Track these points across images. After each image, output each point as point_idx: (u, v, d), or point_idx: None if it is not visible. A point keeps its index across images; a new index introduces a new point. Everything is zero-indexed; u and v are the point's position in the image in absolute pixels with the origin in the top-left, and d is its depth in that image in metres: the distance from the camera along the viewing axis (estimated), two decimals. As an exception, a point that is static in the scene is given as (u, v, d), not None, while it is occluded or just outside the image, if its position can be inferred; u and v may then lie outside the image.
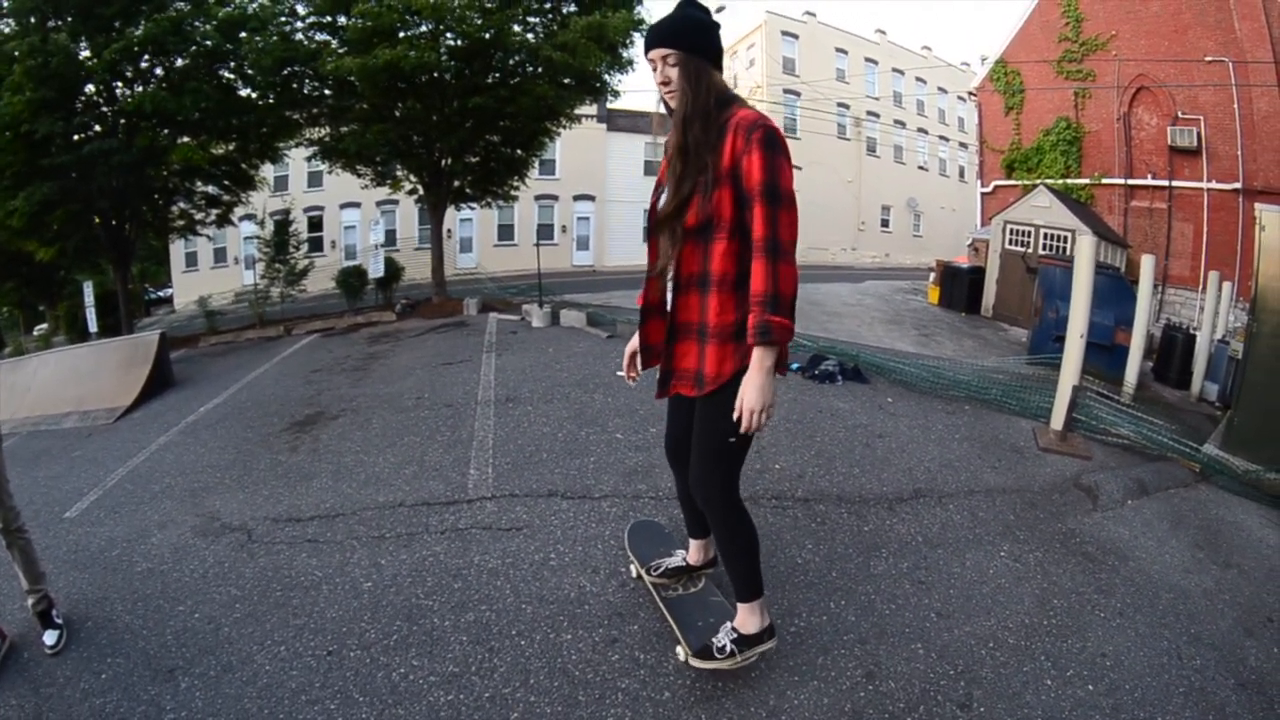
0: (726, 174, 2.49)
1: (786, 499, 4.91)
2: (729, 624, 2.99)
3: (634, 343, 3.06)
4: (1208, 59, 21.33)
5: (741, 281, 2.54)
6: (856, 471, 5.52)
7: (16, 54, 13.39)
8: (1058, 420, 7.08)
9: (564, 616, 3.53)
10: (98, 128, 15.32)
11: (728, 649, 2.90)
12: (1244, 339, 8.49)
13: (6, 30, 14.28)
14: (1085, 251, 7.23)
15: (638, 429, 6.46)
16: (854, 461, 5.74)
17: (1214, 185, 21.58)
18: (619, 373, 3.45)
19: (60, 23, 14.24)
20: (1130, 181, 23.68)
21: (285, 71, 15.92)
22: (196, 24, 14.89)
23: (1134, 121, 23.80)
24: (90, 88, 15.13)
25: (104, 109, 15.45)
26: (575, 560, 4.03)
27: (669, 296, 2.78)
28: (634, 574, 3.77)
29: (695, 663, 2.94)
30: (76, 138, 14.68)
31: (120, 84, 15.46)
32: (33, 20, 14.17)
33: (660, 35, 2.60)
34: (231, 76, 16.35)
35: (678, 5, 2.64)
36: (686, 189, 2.57)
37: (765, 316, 2.36)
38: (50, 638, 3.59)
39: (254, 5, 15.52)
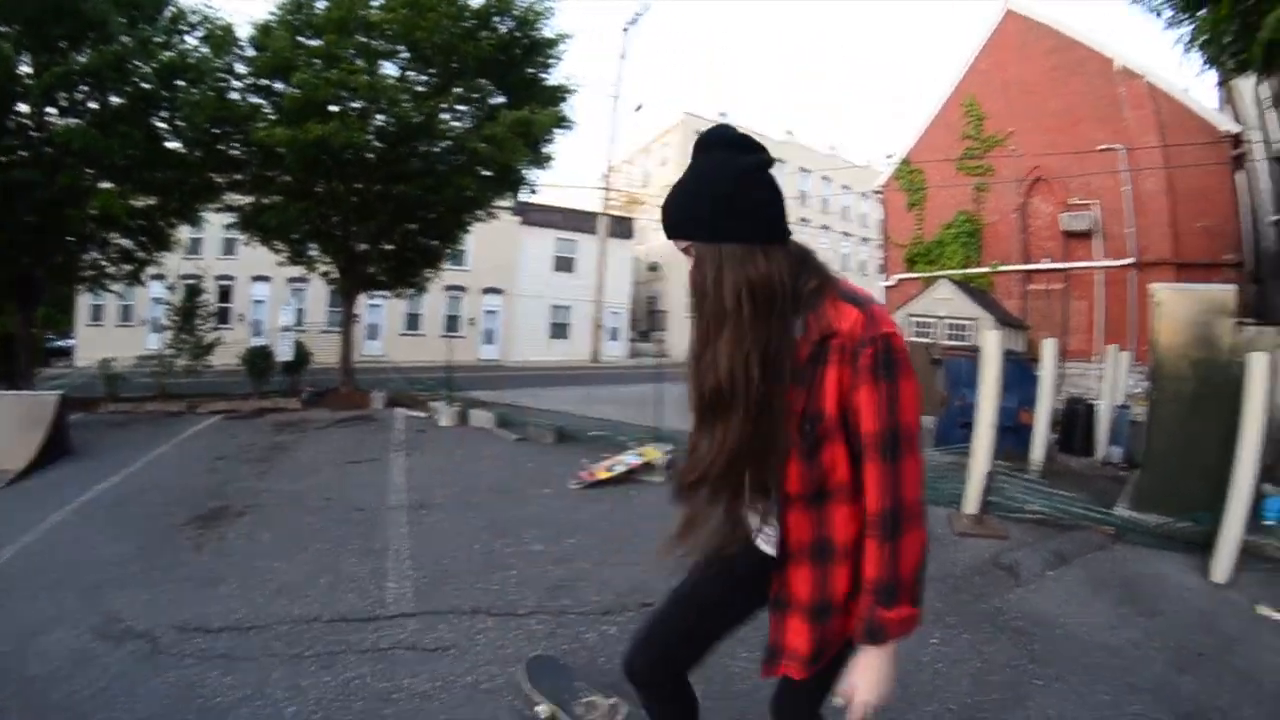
0: (836, 421, 1.76)
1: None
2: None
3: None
4: (1100, 148, 23.16)
5: None
6: None
7: None
8: (971, 504, 7.39)
9: (501, 744, 3.35)
10: (24, 153, 14.55)
11: None
12: (1146, 404, 9.28)
13: None
14: (991, 345, 7.70)
15: (555, 540, 6.44)
16: None
17: (1107, 263, 23.56)
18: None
19: (8, 29, 13.57)
20: (1028, 267, 25.34)
21: (215, 131, 15.60)
22: (138, 63, 14.43)
23: (1030, 210, 25.68)
24: (24, 108, 14.42)
25: (33, 134, 14.66)
26: (508, 683, 3.87)
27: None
28: (544, 714, 3.50)
29: None
30: (3, 159, 14.00)
31: (55, 111, 14.79)
32: (-21, 23, 13.53)
33: (668, 218, 1.84)
34: (163, 126, 15.79)
35: (696, 147, 1.82)
36: (775, 446, 1.79)
37: (877, 613, 1.73)
38: None
39: (195, 55, 15.24)
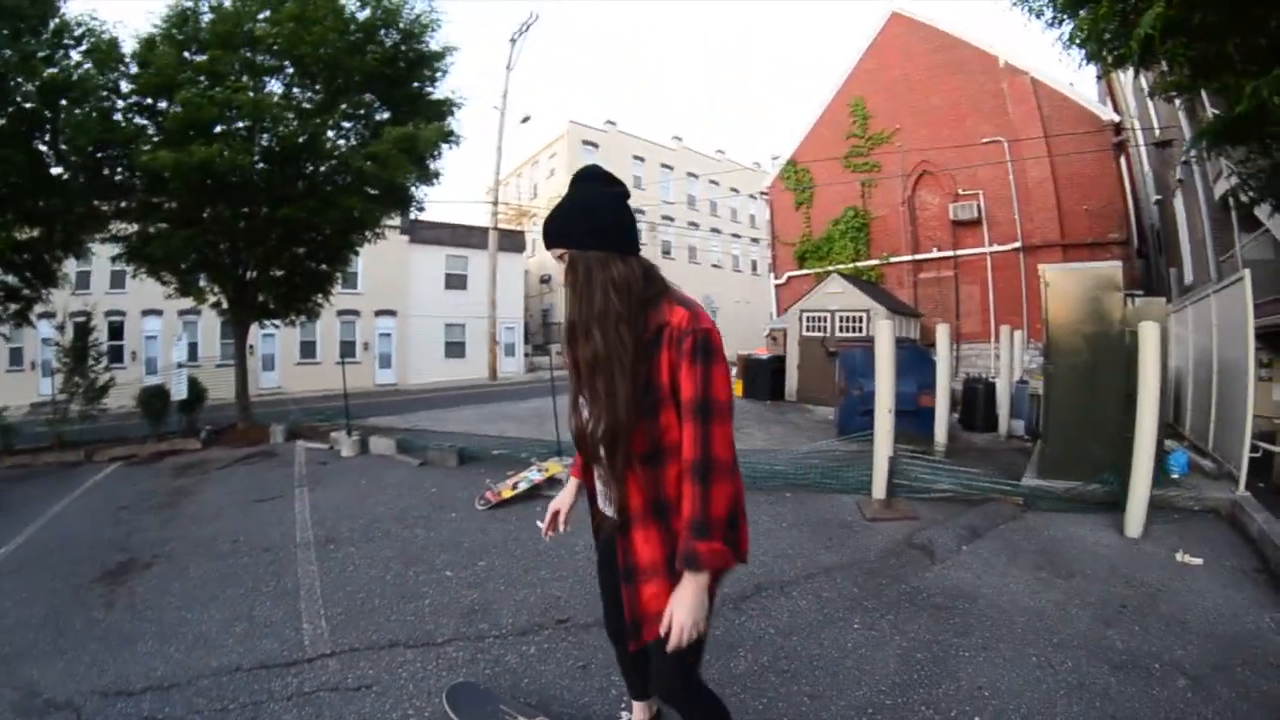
0: (668, 392, 2.29)
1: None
2: None
3: (561, 501, 2.97)
4: (985, 140, 24.40)
5: None
6: None
7: None
8: (879, 489, 7.72)
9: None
10: None
11: None
12: (1042, 379, 9.67)
13: None
14: (884, 333, 8.07)
15: (466, 564, 6.47)
16: None
17: (995, 248, 24.84)
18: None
19: None
20: (918, 256, 26.38)
21: (100, 154, 14.81)
22: (19, 80, 13.53)
23: (918, 203, 26.65)
24: None
25: None
26: (435, 714, 3.88)
27: (618, 532, 2.49)
28: None
29: None
30: None
31: None
32: None
33: (548, 232, 2.41)
34: (45, 150, 14.82)
35: (571, 181, 2.43)
36: (625, 411, 2.29)
37: (692, 544, 2.19)
38: None
39: (80, 71, 14.35)
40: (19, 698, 4.60)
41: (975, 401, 14.22)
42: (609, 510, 2.54)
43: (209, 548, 7.68)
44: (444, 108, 16.97)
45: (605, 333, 2.30)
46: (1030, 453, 10.29)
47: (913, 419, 11.39)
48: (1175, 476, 8.17)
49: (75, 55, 14.71)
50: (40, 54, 13.96)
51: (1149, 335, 6.78)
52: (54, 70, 13.95)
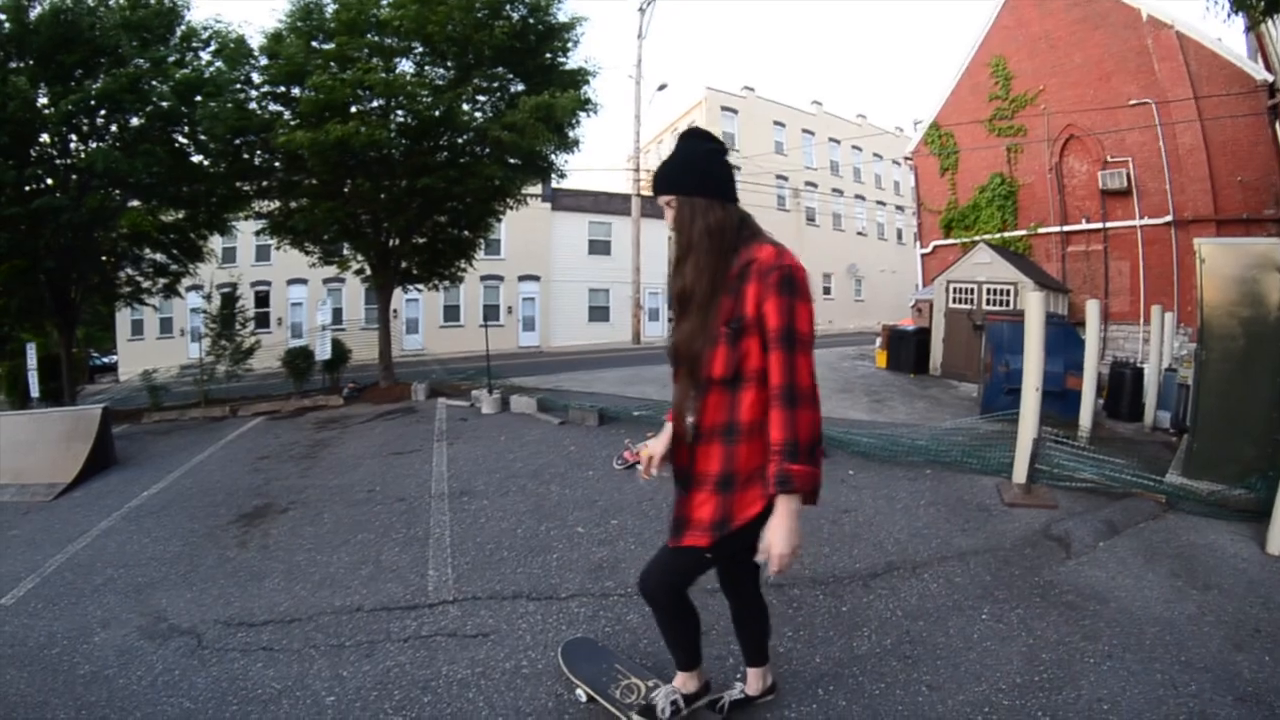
0: (753, 322, 2.49)
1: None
2: (670, 686, 3.20)
3: (656, 446, 2.97)
4: (1131, 103, 22.52)
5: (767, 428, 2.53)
6: (827, 550, 5.47)
7: None
8: (1020, 474, 7.12)
9: (544, 730, 3.32)
10: (49, 181, 14.96)
11: (667, 711, 3.10)
12: (1192, 366, 8.74)
13: None
14: (1034, 307, 7.40)
15: (599, 522, 6.35)
16: (823, 540, 5.67)
17: (1146, 221, 22.67)
18: (616, 464, 3.39)
19: (21, 64, 13.90)
20: (1066, 228, 24.70)
21: (238, 141, 15.77)
22: (154, 83, 14.63)
23: (1065, 170, 24.87)
24: (45, 137, 14.75)
25: (58, 162, 15.09)
26: (549, 667, 3.82)
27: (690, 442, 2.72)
28: (583, 698, 3.53)
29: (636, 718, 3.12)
30: (28, 189, 14.28)
31: (75, 137, 15.15)
32: (-8, 61, 13.82)
33: (657, 182, 2.70)
34: (185, 141, 16.15)
35: (678, 139, 2.73)
36: (708, 335, 2.55)
37: (784, 465, 2.38)
38: None
39: (211, 69, 15.45)
40: (146, 623, 4.89)
41: (1121, 387, 13.21)
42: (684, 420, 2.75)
43: (345, 496, 7.95)
44: (578, 77, 16.97)
45: (698, 266, 2.59)
46: (1175, 448, 9.49)
47: (1058, 400, 10.63)
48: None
49: (205, 55, 15.92)
50: (171, 59, 15.16)
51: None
52: (186, 71, 15.02)
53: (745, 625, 3.22)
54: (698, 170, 2.64)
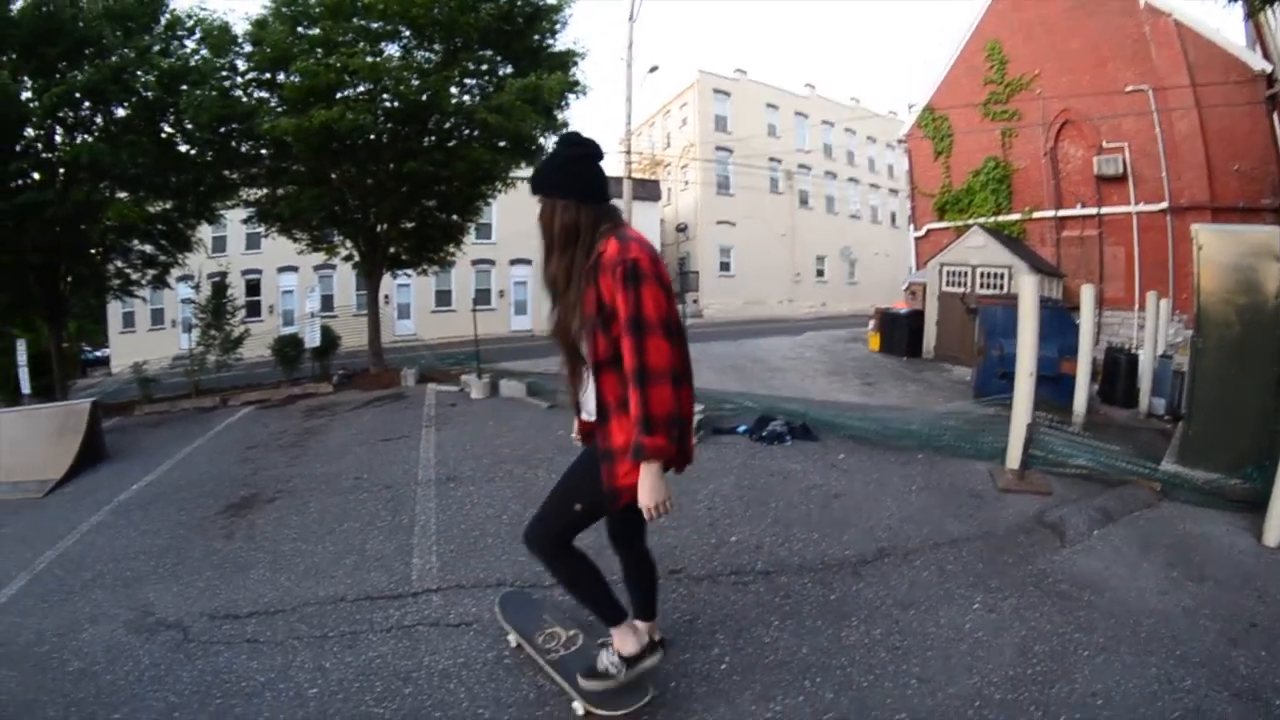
0: (612, 309, 2.79)
1: (747, 573, 4.78)
2: (610, 647, 3.28)
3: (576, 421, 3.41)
4: (1128, 89, 22.43)
5: None
6: (816, 536, 5.41)
7: None
8: (1014, 459, 7.08)
9: (525, 720, 3.30)
10: (36, 175, 14.92)
11: (610, 669, 3.22)
12: (1188, 353, 8.73)
13: None
14: (1028, 290, 7.37)
15: (585, 507, 6.37)
16: (812, 526, 5.62)
17: (1142, 207, 22.64)
18: (573, 435, 3.50)
19: (4, 59, 13.79)
20: (1060, 213, 24.62)
21: (223, 129, 15.72)
22: (138, 74, 14.60)
23: (1060, 155, 24.76)
24: (30, 132, 14.70)
25: (44, 155, 15.07)
26: (530, 657, 3.75)
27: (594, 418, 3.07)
28: (513, 644, 3.89)
29: (584, 683, 3.26)
30: (12, 185, 14.23)
31: (61, 130, 15.08)
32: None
33: (530, 183, 3.00)
34: (171, 131, 16.05)
35: (556, 142, 3.18)
36: (579, 319, 2.91)
37: (640, 439, 2.70)
38: None
39: (196, 58, 15.37)
40: (133, 617, 4.89)
41: (1116, 373, 13.19)
42: (587, 415, 3.12)
43: (331, 484, 7.91)
44: (566, 59, 16.99)
45: (559, 260, 2.95)
46: (1170, 435, 9.48)
47: (1052, 385, 10.62)
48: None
49: (190, 44, 15.81)
50: (155, 48, 14.96)
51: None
52: (171, 60, 14.96)
53: (633, 579, 3.47)
54: (561, 173, 2.94)
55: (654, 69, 38.40)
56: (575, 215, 2.90)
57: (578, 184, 2.95)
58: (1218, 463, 7.05)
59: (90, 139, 14.66)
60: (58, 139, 15.16)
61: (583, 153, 2.98)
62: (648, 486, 2.78)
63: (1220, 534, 5.65)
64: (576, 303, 2.89)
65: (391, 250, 18.45)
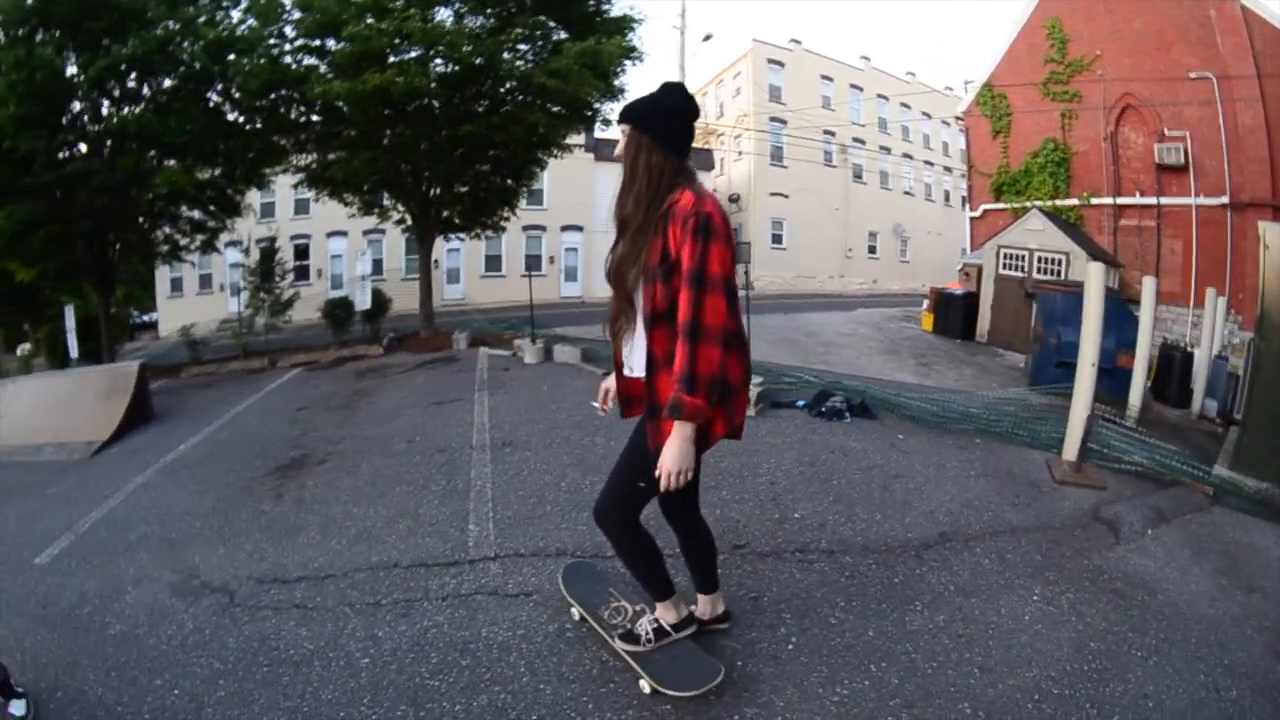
0: (676, 259, 2.72)
1: (811, 552, 4.65)
2: (651, 615, 3.33)
3: (612, 380, 3.30)
4: (1191, 75, 21.49)
5: None
6: (879, 517, 5.27)
7: (2, 67, 13.06)
8: (1071, 451, 6.89)
9: (588, 697, 3.19)
10: (83, 147, 15.13)
11: (642, 635, 3.26)
12: (1246, 356, 8.53)
13: None
14: (1095, 279, 7.11)
15: (644, 475, 6.17)
16: (875, 506, 5.48)
17: (1202, 200, 21.75)
18: (594, 402, 3.31)
19: (48, 35, 13.96)
20: (1119, 200, 23.77)
21: (272, 95, 15.74)
22: (184, 44, 14.67)
23: (1121, 140, 23.92)
24: (76, 105, 14.90)
25: (90, 127, 15.23)
26: (594, 630, 3.62)
27: (643, 374, 2.94)
28: (576, 617, 3.77)
29: (619, 645, 3.29)
30: (60, 156, 14.42)
31: (107, 102, 15.25)
32: (20, 33, 13.84)
33: (625, 109, 2.97)
34: (219, 99, 16.17)
35: (661, 86, 2.98)
36: (638, 263, 2.83)
37: (680, 396, 2.62)
38: (18, 708, 3.24)
39: (243, 27, 15.36)
40: (178, 580, 4.84)
41: (1170, 371, 12.87)
42: (629, 370, 3.06)
43: (383, 446, 7.83)
44: (623, 24, 16.65)
45: (637, 199, 2.83)
46: (1221, 438, 9.12)
47: (1107, 377, 10.30)
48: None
49: (236, 14, 15.77)
50: (201, 19, 15.02)
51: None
52: (218, 30, 14.95)
53: (690, 553, 3.41)
54: (660, 116, 2.87)
55: (708, 37, 37.98)
56: (663, 160, 2.82)
57: (669, 130, 2.88)
58: (1269, 471, 6.76)
59: (137, 110, 14.76)
60: (105, 110, 15.34)
61: (686, 105, 2.93)
62: (674, 449, 2.68)
63: (1269, 545, 5.49)
64: (642, 248, 2.81)
65: (444, 214, 18.45)
